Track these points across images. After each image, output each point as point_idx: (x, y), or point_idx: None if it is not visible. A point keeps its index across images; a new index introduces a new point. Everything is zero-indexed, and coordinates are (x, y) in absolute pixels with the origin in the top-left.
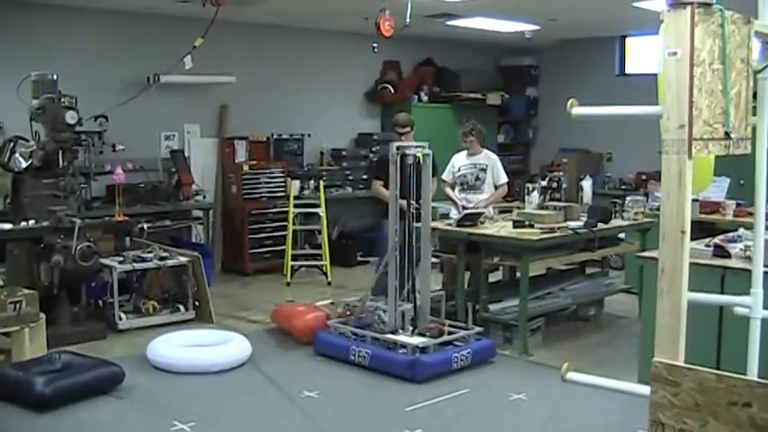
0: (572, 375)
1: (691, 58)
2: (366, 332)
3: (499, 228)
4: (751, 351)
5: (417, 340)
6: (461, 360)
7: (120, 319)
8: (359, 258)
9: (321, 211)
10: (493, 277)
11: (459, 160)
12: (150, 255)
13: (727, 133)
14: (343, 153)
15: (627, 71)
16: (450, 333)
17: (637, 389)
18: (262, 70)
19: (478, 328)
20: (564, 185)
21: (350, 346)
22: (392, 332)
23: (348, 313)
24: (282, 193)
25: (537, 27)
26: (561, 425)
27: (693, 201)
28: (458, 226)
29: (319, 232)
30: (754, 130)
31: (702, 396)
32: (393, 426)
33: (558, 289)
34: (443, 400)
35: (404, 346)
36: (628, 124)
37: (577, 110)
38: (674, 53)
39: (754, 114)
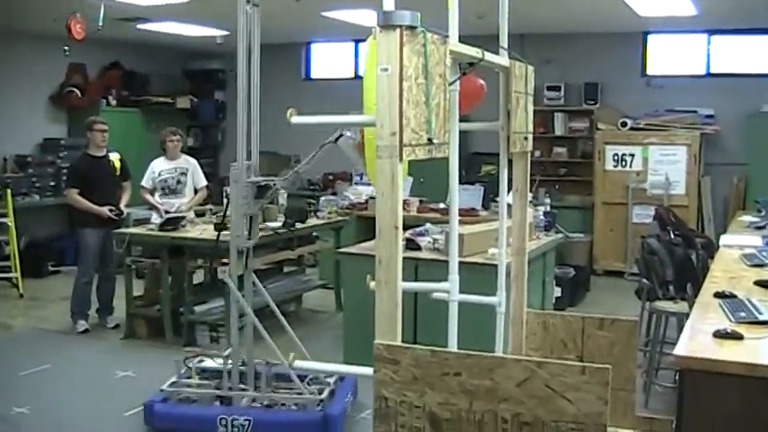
0: (299, 363)
1: (400, 74)
2: (246, 392)
3: (201, 230)
4: (450, 328)
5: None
6: None
7: None
8: (50, 268)
9: (9, 220)
10: (194, 280)
11: (159, 165)
12: None
13: (429, 139)
14: (29, 159)
15: (312, 76)
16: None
17: (361, 371)
18: None
19: None
20: None
21: (218, 415)
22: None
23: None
24: None
25: (227, 32)
26: None
27: None
28: (160, 230)
29: (7, 243)
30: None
31: (419, 370)
32: None
33: None
34: None
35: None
36: (315, 128)
37: (296, 119)
38: (386, 69)
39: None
